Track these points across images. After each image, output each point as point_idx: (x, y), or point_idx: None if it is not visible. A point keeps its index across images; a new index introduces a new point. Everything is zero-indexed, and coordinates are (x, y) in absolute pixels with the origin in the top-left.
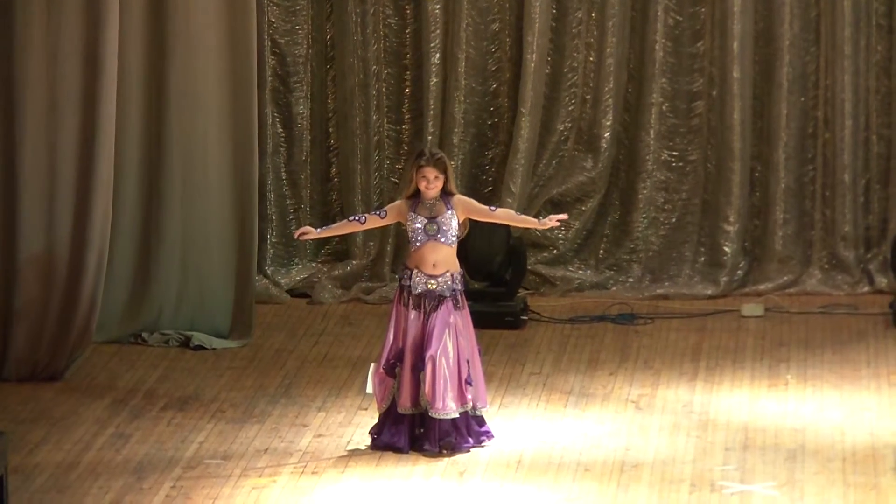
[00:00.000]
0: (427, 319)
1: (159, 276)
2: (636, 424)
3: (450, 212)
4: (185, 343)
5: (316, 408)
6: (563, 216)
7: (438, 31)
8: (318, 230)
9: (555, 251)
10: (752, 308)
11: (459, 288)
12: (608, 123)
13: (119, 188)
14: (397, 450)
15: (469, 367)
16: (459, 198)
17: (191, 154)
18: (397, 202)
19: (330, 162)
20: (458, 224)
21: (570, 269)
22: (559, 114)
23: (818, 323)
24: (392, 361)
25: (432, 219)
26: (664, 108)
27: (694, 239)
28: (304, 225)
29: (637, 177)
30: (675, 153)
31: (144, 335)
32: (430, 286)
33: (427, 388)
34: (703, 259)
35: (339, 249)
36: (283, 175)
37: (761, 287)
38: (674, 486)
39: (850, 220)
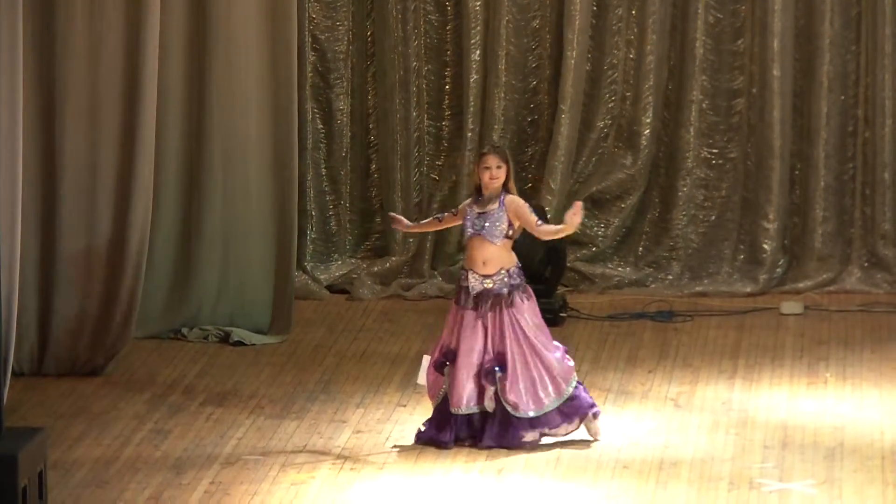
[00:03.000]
0: (485, 319)
1: (199, 271)
2: (675, 422)
3: (500, 209)
4: (225, 338)
5: (355, 404)
6: (578, 204)
7: (479, 28)
8: (408, 224)
9: (594, 248)
10: (791, 306)
11: (518, 282)
12: (648, 121)
13: (160, 184)
14: (440, 444)
15: (540, 362)
16: (514, 199)
17: (231, 150)
18: (465, 202)
19: (370, 158)
20: (508, 223)
21: (610, 266)
22: (599, 111)
23: (858, 321)
24: (441, 360)
25: (481, 214)
26: (704, 105)
27: (733, 237)
28: (344, 221)
29: (677, 174)
30: (714, 151)
31: (184, 331)
32: (486, 285)
33: (507, 391)
34: (742, 257)
35: (378, 245)
36: (323, 171)
37: (801, 285)
38: (712, 484)
39: (890, 219)
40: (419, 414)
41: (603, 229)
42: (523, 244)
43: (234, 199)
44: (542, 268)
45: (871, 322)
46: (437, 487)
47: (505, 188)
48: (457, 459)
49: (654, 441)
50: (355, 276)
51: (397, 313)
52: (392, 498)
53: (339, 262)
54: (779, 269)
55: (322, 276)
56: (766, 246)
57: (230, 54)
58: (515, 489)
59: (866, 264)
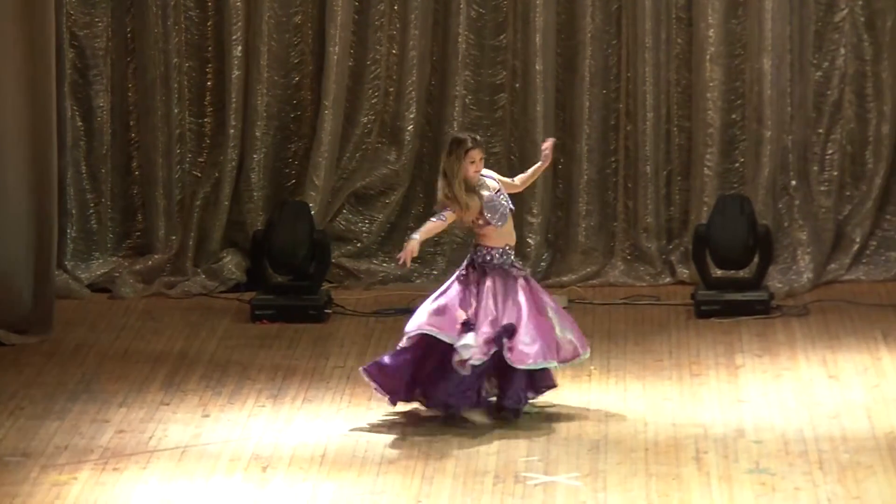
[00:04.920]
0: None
1: None
2: (440, 417)
3: (498, 184)
4: None
5: (117, 403)
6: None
7: (240, 24)
8: (415, 235)
9: (359, 244)
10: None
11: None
12: (412, 116)
13: None
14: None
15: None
16: (491, 173)
17: None
18: (463, 197)
19: (131, 155)
20: None
21: (375, 262)
22: (362, 106)
23: (621, 314)
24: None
25: (499, 192)
26: (467, 100)
27: None
28: (105, 219)
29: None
30: None
31: None
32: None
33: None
34: None
35: (140, 243)
36: (83, 169)
37: (565, 278)
38: (478, 478)
39: (653, 212)
40: (182, 412)
41: (367, 225)
42: (287, 239)
43: None
44: (307, 264)
45: (635, 315)
46: (201, 487)
47: None
48: (221, 458)
49: (420, 436)
50: (117, 274)
51: (160, 311)
52: (155, 498)
53: (101, 261)
54: (543, 263)
55: (83, 275)
56: (529, 240)
57: None
58: (279, 488)
59: (629, 257)
